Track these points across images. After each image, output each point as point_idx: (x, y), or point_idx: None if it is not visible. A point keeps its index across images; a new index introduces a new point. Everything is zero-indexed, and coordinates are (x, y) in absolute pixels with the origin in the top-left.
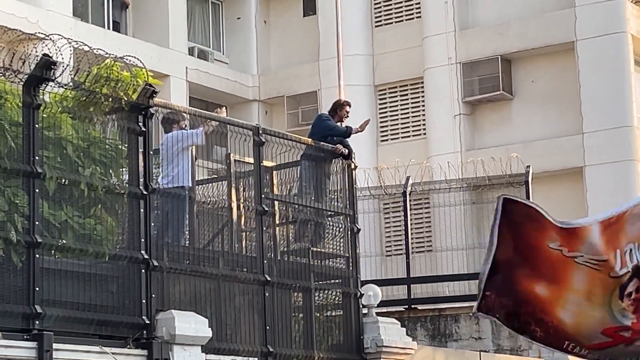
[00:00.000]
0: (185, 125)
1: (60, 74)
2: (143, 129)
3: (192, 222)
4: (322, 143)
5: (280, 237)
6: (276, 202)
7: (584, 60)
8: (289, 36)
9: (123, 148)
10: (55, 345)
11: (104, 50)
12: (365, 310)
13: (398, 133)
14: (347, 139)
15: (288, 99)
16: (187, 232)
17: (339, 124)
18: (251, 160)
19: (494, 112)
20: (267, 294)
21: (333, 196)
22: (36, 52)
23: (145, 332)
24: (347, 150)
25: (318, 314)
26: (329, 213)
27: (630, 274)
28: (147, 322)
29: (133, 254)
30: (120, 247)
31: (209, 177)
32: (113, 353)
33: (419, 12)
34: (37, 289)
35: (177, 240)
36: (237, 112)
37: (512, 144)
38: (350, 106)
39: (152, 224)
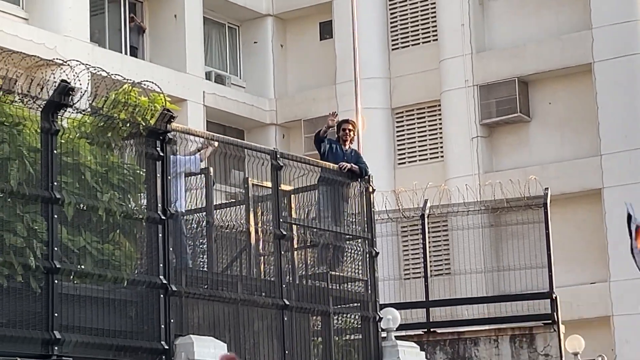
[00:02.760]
0: (177, 151)
1: (78, 100)
2: (161, 153)
3: (211, 246)
4: (330, 164)
5: (298, 261)
6: (294, 226)
7: (601, 81)
8: (306, 60)
9: (141, 173)
10: None
11: (121, 76)
12: (384, 334)
13: (415, 156)
14: (362, 158)
15: (305, 122)
16: (188, 256)
17: (333, 145)
18: (269, 184)
19: (511, 135)
20: (285, 318)
21: (351, 220)
22: (54, 78)
23: (164, 357)
24: (351, 166)
25: (337, 338)
26: (347, 237)
27: None
28: (166, 347)
29: (151, 279)
30: (139, 272)
31: (227, 202)
32: None
33: (436, 35)
34: (56, 314)
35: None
36: (254, 136)
37: (529, 166)
38: (348, 122)
39: (171, 249)
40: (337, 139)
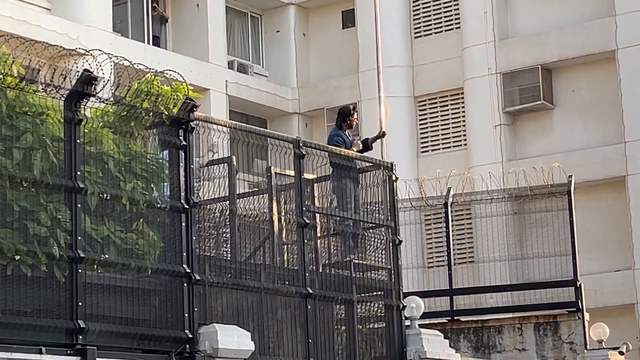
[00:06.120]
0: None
1: (101, 89)
2: (184, 142)
3: (234, 235)
4: (352, 152)
5: (321, 250)
6: (317, 215)
7: (625, 68)
8: (329, 48)
9: (164, 162)
10: None
11: (144, 65)
12: (407, 322)
13: (439, 144)
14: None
15: (328, 111)
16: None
17: (347, 132)
18: (292, 172)
19: (534, 122)
20: (309, 307)
21: (374, 208)
22: (77, 67)
23: (188, 346)
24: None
25: (360, 327)
26: (371, 225)
27: None
28: (190, 336)
29: (175, 268)
30: (162, 261)
31: (250, 191)
32: None
33: (458, 23)
34: (80, 303)
35: None
36: (277, 125)
37: (553, 154)
38: (355, 111)
39: (194, 238)
40: (341, 125)
